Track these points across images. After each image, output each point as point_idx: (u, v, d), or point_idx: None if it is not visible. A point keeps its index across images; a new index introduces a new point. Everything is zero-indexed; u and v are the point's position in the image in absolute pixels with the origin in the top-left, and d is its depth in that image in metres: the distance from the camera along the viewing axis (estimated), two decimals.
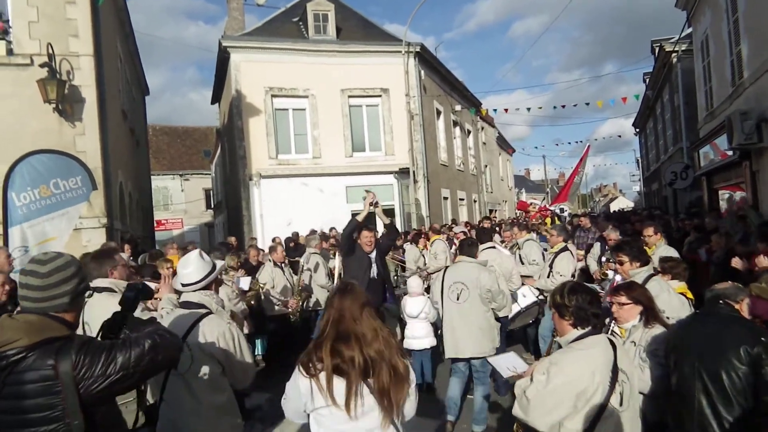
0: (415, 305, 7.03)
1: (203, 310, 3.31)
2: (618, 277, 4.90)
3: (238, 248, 12.72)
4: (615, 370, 2.79)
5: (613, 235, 7.95)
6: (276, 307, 8.15)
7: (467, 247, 5.92)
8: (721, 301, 3.35)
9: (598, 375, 2.77)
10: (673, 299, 4.27)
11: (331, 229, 14.53)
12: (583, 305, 2.94)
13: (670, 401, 3.37)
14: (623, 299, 3.72)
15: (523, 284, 7.28)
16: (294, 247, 12.73)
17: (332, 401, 2.56)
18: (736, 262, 6.18)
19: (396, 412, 2.63)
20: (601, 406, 2.75)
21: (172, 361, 2.44)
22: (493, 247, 7.26)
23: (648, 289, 3.89)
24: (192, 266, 3.42)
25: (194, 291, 3.40)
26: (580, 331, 2.96)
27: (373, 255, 6.73)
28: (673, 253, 6.31)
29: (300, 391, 2.65)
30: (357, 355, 2.58)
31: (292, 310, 8.07)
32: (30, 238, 7.62)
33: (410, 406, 2.74)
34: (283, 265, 8.55)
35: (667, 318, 3.90)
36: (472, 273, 5.59)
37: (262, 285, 7.85)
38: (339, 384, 2.57)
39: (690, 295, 4.66)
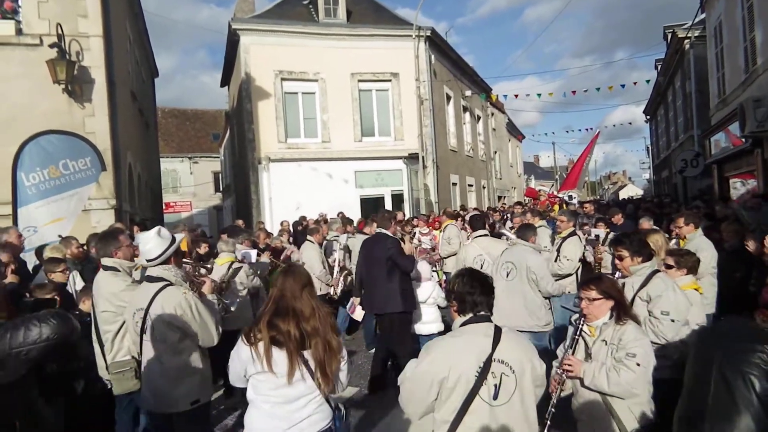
0: (423, 290, 7.05)
1: (162, 283, 3.70)
2: (618, 274, 4.43)
3: (237, 232, 12.76)
4: (488, 362, 2.67)
5: (646, 224, 7.53)
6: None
7: (522, 231, 6.31)
8: None
9: (461, 365, 2.68)
10: (680, 299, 3.90)
11: (339, 213, 14.56)
12: (463, 291, 2.87)
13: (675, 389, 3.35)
14: (593, 293, 3.37)
15: None
16: (302, 231, 12.80)
17: (269, 369, 2.85)
18: (752, 246, 6.08)
19: (330, 382, 2.94)
20: (467, 398, 2.65)
21: (64, 344, 2.44)
22: (486, 235, 7.30)
23: (617, 282, 3.66)
24: (151, 243, 3.76)
25: (155, 266, 3.76)
26: (462, 318, 2.88)
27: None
28: (707, 246, 5.92)
29: (241, 357, 2.93)
30: (293, 329, 2.88)
31: (334, 290, 8.36)
32: (38, 218, 7.69)
33: (343, 377, 3.07)
34: (321, 245, 8.73)
35: (672, 320, 3.76)
36: (523, 255, 5.90)
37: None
38: (277, 354, 2.86)
39: (701, 290, 4.51)
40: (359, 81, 18.76)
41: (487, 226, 8.05)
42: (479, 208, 19.01)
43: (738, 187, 14.31)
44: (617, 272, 4.44)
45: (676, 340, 3.89)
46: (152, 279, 3.76)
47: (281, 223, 13.33)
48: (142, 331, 3.73)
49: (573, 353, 3.39)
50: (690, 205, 13.18)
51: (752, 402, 2.91)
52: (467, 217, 12.85)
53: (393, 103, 19.30)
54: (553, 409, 3.22)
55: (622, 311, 3.34)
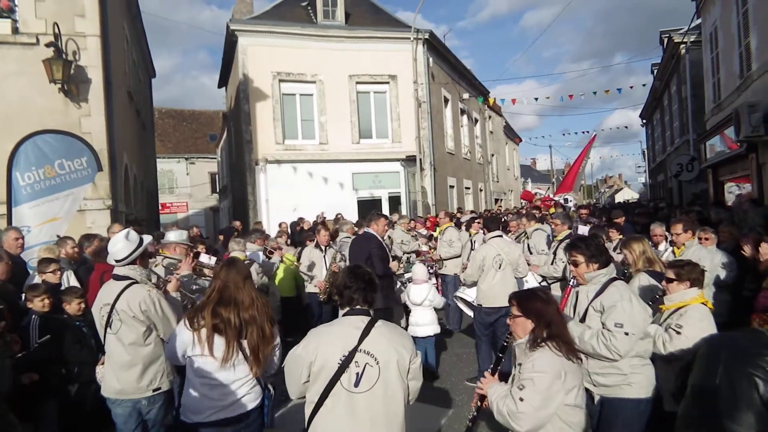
0: (419, 293, 7.06)
1: (128, 281, 3.99)
2: (573, 282, 4.14)
3: (244, 233, 12.78)
4: (353, 352, 2.85)
5: (658, 230, 7.12)
6: (306, 284, 8.90)
7: (488, 223, 7.08)
8: None
9: (327, 352, 2.86)
10: (636, 310, 3.54)
11: (337, 215, 14.57)
12: (342, 286, 3.07)
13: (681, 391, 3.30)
14: (514, 309, 3.11)
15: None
16: (299, 232, 12.81)
17: (210, 353, 3.21)
18: (748, 250, 6.04)
19: (261, 366, 3.31)
20: (329, 383, 2.84)
21: None
22: (500, 236, 7.26)
23: (544, 303, 3.09)
24: (119, 245, 4.06)
25: (122, 266, 4.04)
26: (343, 311, 3.07)
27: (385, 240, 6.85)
28: (707, 255, 5.68)
29: (183, 340, 3.31)
30: (234, 317, 3.23)
31: (321, 290, 8.31)
32: (33, 218, 7.65)
33: (275, 362, 3.43)
34: (325, 247, 8.80)
35: (626, 333, 3.42)
36: (509, 247, 6.70)
37: (297, 263, 8.58)
38: (218, 340, 3.21)
39: (710, 305, 4.06)
40: (357, 83, 18.79)
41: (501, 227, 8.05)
42: (476, 211, 19.05)
43: (734, 191, 14.37)
44: (573, 279, 4.07)
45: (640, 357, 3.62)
46: (119, 277, 4.05)
47: (279, 225, 13.35)
48: (107, 325, 3.98)
49: (494, 370, 3.17)
50: (685, 209, 13.21)
51: (755, 403, 2.93)
52: (463, 219, 12.90)
53: (391, 105, 19.32)
54: (469, 420, 3.22)
55: (539, 336, 2.94)
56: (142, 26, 17.50)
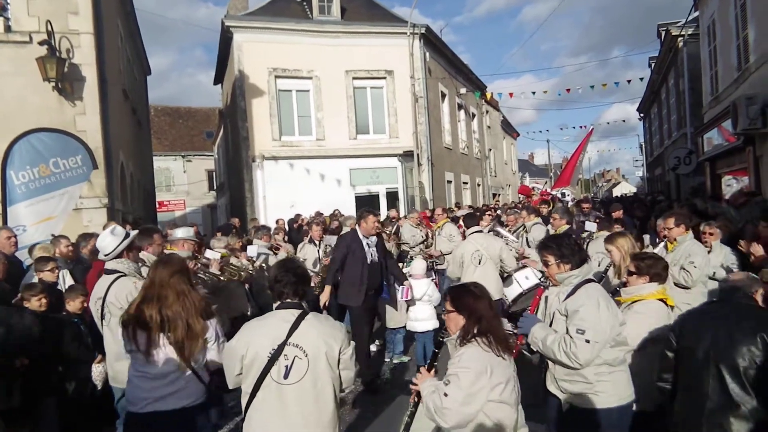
0: (418, 288, 7.06)
1: (117, 274, 4.17)
2: (547, 282, 3.95)
3: (242, 230, 12.75)
4: (282, 345, 2.94)
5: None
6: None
7: (468, 220, 7.27)
8: (737, 294, 3.22)
9: (256, 345, 2.97)
10: (603, 317, 3.28)
11: (335, 210, 14.54)
12: (274, 280, 3.17)
13: (675, 390, 3.30)
14: (447, 305, 3.06)
15: (526, 266, 7.27)
16: (297, 229, 12.77)
17: (135, 347, 3.31)
18: (744, 245, 6.03)
19: (187, 360, 3.31)
20: (260, 376, 2.93)
21: None
22: (480, 231, 7.44)
23: (476, 298, 3.00)
24: (106, 240, 4.27)
25: (110, 260, 4.24)
26: (276, 304, 3.17)
27: (372, 239, 6.74)
28: (700, 251, 5.50)
29: (120, 337, 3.45)
30: (155, 313, 3.28)
31: (315, 285, 8.31)
32: (28, 217, 7.62)
33: (212, 356, 3.46)
34: (318, 242, 8.87)
35: (587, 341, 3.20)
36: (489, 242, 6.93)
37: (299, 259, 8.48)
38: (141, 335, 3.29)
39: (671, 302, 3.89)
40: (354, 78, 18.72)
41: (479, 223, 8.06)
42: (473, 206, 19.03)
43: (732, 185, 14.36)
44: (546, 280, 3.90)
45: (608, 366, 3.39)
46: (109, 272, 4.23)
47: (277, 222, 13.32)
48: (102, 317, 4.20)
49: (429, 365, 3.13)
50: (683, 203, 13.21)
51: (747, 393, 2.94)
52: (459, 214, 12.88)
53: (388, 100, 19.27)
54: (407, 416, 3.15)
55: (470, 332, 2.89)
56: (137, 23, 17.41)
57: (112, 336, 4.09)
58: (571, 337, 3.28)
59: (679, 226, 5.66)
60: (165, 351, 3.31)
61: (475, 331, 2.88)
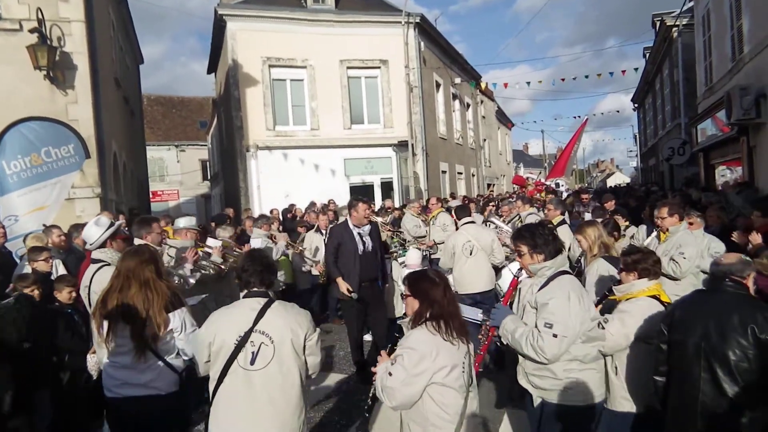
0: None
1: (100, 264, 4.29)
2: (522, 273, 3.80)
3: (236, 220, 12.72)
4: (249, 332, 3.04)
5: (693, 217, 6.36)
6: (307, 268, 9.15)
7: (460, 211, 7.15)
8: (728, 279, 3.13)
9: (223, 333, 3.07)
10: (574, 310, 3.17)
11: (330, 200, 14.52)
12: (239, 269, 3.28)
13: (666, 381, 3.26)
14: (405, 290, 3.10)
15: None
16: (291, 219, 12.76)
17: (99, 338, 3.49)
18: (737, 236, 6.05)
19: (145, 351, 3.41)
20: (227, 362, 3.03)
21: None
22: (473, 222, 7.41)
23: (432, 284, 3.01)
24: (91, 230, 4.44)
25: (94, 249, 4.41)
26: (243, 293, 3.26)
27: (366, 229, 6.67)
28: (692, 241, 5.36)
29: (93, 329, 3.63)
30: (116, 303, 3.42)
31: (320, 272, 8.69)
32: (20, 206, 7.57)
33: (181, 345, 3.55)
34: (325, 231, 9.06)
35: (555, 336, 3.11)
36: (480, 233, 6.82)
37: (302, 248, 8.96)
38: (105, 324, 3.43)
39: (666, 297, 3.73)
40: (348, 68, 18.62)
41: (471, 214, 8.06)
42: (468, 196, 19.03)
43: (727, 175, 14.42)
44: (519, 271, 3.78)
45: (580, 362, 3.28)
46: (94, 261, 4.37)
47: (271, 211, 13.30)
48: (89, 304, 4.26)
49: (390, 349, 3.14)
50: (676, 193, 13.26)
51: (738, 386, 2.94)
52: (452, 204, 12.87)
53: (382, 90, 19.18)
54: (369, 398, 3.27)
55: (426, 314, 2.93)
56: (129, 12, 17.24)
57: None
58: (539, 330, 3.18)
59: (672, 216, 5.54)
60: (127, 341, 3.42)
61: (428, 315, 2.92)
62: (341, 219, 10.05)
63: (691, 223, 5.99)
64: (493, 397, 5.74)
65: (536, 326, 3.22)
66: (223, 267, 6.14)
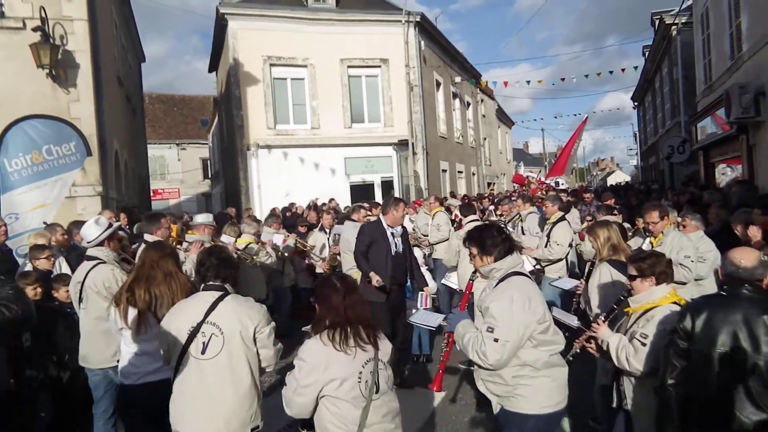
0: None
1: (96, 261, 4.41)
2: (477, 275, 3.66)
3: (238, 219, 12.75)
4: (200, 323, 3.18)
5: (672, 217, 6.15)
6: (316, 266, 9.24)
7: (464, 209, 7.52)
8: (747, 285, 2.85)
9: (178, 323, 3.23)
10: (516, 315, 3.02)
11: (331, 200, 14.55)
12: (197, 264, 3.47)
13: (691, 398, 2.91)
14: (313, 297, 3.13)
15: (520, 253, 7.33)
16: (291, 217, 12.80)
17: (125, 324, 3.62)
18: (740, 230, 5.95)
19: None
20: (182, 351, 3.18)
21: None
22: (477, 220, 7.45)
23: (333, 290, 2.96)
24: (90, 229, 4.55)
25: (91, 247, 4.51)
26: (201, 286, 3.42)
27: (398, 230, 6.43)
28: (686, 244, 5.17)
29: (112, 316, 3.71)
30: (143, 292, 3.60)
31: (325, 272, 8.73)
32: (21, 204, 7.60)
33: None
34: (328, 230, 9.27)
35: (496, 340, 2.98)
36: None
37: (311, 246, 9.01)
38: (132, 312, 3.60)
39: (683, 301, 3.35)
40: (349, 67, 18.66)
41: (477, 212, 8.14)
42: (468, 195, 19.06)
43: (728, 173, 14.44)
44: (475, 274, 3.64)
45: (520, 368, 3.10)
46: (89, 258, 4.50)
47: (272, 210, 13.32)
48: (80, 300, 4.40)
49: None
50: (677, 191, 13.29)
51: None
52: (454, 204, 12.91)
53: (383, 89, 19.22)
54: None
55: (324, 322, 2.91)
56: (131, 10, 17.29)
57: (89, 317, 4.35)
58: (482, 335, 3.07)
59: (664, 219, 5.35)
60: (153, 328, 3.54)
61: (327, 323, 2.89)
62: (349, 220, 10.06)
63: (684, 226, 5.92)
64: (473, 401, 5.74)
65: (480, 330, 3.13)
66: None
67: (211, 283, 3.37)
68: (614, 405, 3.55)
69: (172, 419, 3.23)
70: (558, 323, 3.50)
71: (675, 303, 3.33)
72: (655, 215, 5.35)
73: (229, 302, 3.29)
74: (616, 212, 8.27)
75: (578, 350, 3.78)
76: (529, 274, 3.35)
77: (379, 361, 2.92)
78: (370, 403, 2.83)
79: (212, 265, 3.37)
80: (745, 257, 2.92)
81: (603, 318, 3.65)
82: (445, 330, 3.58)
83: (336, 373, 2.78)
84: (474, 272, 3.62)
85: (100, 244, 4.53)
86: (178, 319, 3.26)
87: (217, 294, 3.31)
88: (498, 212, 11.30)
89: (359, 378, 2.82)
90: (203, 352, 3.17)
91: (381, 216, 6.53)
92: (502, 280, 3.21)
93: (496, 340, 2.99)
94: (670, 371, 2.95)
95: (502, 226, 3.44)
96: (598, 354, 3.56)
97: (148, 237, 5.50)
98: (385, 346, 2.99)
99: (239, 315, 3.25)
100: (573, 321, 4.30)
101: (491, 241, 3.28)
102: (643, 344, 3.22)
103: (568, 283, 6.33)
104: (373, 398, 2.84)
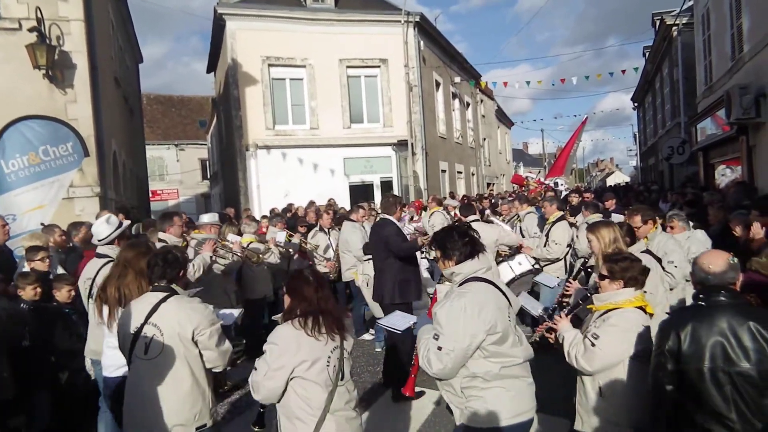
0: None
1: (106, 259, 4.53)
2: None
3: (237, 219, 12.71)
4: (143, 324, 3.30)
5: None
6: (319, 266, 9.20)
7: (464, 210, 7.27)
8: (722, 291, 2.76)
9: (128, 324, 3.35)
10: (461, 323, 2.88)
11: (330, 200, 14.51)
12: (146, 264, 3.55)
13: (681, 412, 2.77)
14: (286, 289, 3.21)
15: (520, 252, 7.30)
16: (290, 218, 12.75)
17: (100, 320, 3.85)
18: (740, 230, 5.94)
19: None
20: (129, 351, 3.34)
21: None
22: (477, 220, 7.42)
23: (305, 283, 3.05)
24: (101, 227, 4.72)
25: (103, 245, 4.67)
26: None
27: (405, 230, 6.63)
28: (674, 246, 5.11)
29: (90, 311, 3.96)
30: (114, 290, 3.78)
31: (330, 270, 8.77)
32: (19, 205, 7.55)
33: None
34: (329, 229, 9.34)
35: (439, 348, 2.89)
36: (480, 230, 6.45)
37: (315, 246, 9.03)
38: (105, 308, 3.80)
39: (651, 309, 3.33)
40: (348, 67, 18.62)
41: (477, 212, 8.10)
42: (468, 196, 19.03)
43: (727, 174, 14.41)
44: (440, 277, 3.55)
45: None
46: (100, 255, 4.63)
47: (271, 211, 13.29)
48: (89, 296, 4.50)
49: None
50: (676, 191, 13.25)
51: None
52: (452, 204, 12.87)
53: (382, 89, 19.19)
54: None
55: (295, 311, 3.00)
56: (128, 11, 17.23)
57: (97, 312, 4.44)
58: (429, 342, 2.99)
59: (647, 223, 5.26)
60: None
61: (298, 312, 2.99)
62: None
63: (672, 227, 5.88)
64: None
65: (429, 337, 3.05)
66: (241, 256, 6.76)
67: (156, 284, 3.44)
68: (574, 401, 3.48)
69: (123, 419, 3.37)
70: (522, 311, 3.65)
71: (640, 308, 3.27)
72: (637, 219, 5.25)
73: (171, 303, 3.36)
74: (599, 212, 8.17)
75: (537, 338, 3.80)
76: (491, 280, 3.16)
77: (344, 350, 3.04)
78: (335, 388, 2.93)
79: (158, 266, 3.43)
80: (714, 262, 2.83)
81: (567, 312, 3.67)
82: (415, 333, 3.53)
83: (306, 355, 2.87)
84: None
85: (111, 242, 4.66)
86: (126, 321, 3.38)
87: (161, 295, 3.38)
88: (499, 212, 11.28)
89: (328, 362, 2.92)
90: (146, 352, 3.28)
91: (386, 216, 6.38)
92: (461, 284, 3.10)
93: (439, 349, 2.90)
94: (660, 382, 2.81)
95: (468, 228, 3.29)
96: (556, 346, 3.54)
97: (161, 235, 5.75)
98: (350, 339, 3.14)
99: (179, 317, 3.32)
100: (536, 310, 4.27)
101: (451, 244, 3.17)
102: (593, 344, 3.17)
103: (551, 281, 6.55)
104: (338, 384, 2.95)
